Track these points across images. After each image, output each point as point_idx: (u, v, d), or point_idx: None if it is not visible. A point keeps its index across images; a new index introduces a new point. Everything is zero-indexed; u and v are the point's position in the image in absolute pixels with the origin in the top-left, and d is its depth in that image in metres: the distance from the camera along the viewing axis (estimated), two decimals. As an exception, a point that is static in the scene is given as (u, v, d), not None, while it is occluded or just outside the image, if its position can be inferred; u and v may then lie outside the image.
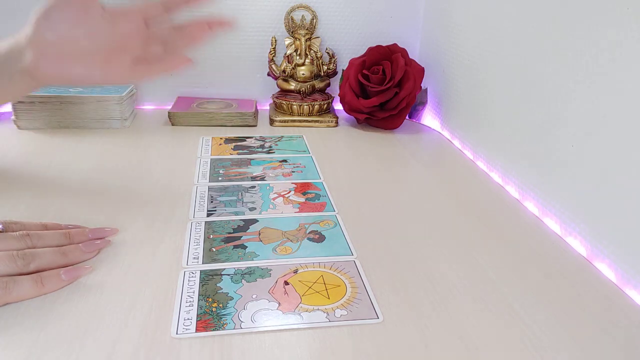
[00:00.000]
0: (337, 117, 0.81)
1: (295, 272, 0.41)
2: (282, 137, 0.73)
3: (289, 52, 0.83)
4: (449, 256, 0.44)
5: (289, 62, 0.83)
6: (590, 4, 0.45)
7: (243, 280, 0.39)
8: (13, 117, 0.73)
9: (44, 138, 0.69)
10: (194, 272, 0.40)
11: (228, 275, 0.40)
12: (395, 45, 0.78)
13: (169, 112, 0.78)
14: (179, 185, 0.56)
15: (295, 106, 0.80)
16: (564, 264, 0.44)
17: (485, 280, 0.41)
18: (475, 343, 0.34)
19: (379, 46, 0.77)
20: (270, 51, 0.83)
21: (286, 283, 0.39)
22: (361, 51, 0.80)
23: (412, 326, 0.35)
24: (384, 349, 0.33)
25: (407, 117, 0.85)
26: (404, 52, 0.76)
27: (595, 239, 0.44)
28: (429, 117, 0.86)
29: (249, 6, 0.84)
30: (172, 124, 0.78)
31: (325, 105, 0.82)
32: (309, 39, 0.83)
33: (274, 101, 0.83)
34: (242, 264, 0.42)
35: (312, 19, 0.84)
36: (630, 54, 0.40)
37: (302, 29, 0.83)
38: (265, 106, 0.89)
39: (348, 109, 0.79)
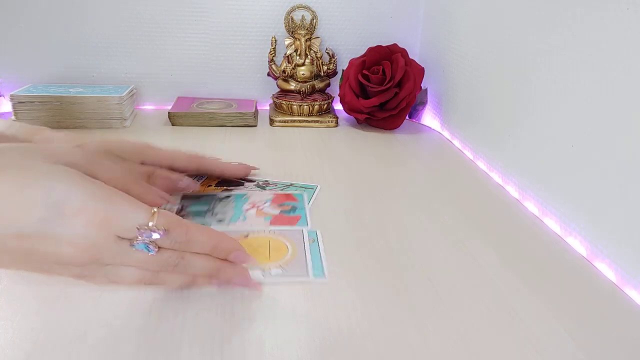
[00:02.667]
0: (337, 117, 0.81)
1: (246, 236, 0.44)
2: (291, 184, 0.56)
3: (289, 52, 0.83)
4: (449, 256, 0.44)
5: (289, 62, 0.83)
6: (591, 3, 0.45)
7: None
8: (13, 117, 0.73)
9: (44, 138, 0.69)
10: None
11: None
12: (395, 45, 0.78)
13: (169, 113, 0.78)
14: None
15: (295, 106, 0.80)
16: (564, 264, 0.44)
17: (485, 281, 0.41)
18: (475, 343, 0.34)
19: (379, 46, 0.77)
20: (270, 51, 0.83)
21: None
22: (361, 51, 0.80)
23: (413, 328, 0.35)
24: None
25: (407, 117, 0.85)
26: (404, 52, 0.76)
27: (595, 239, 0.44)
28: (429, 117, 0.86)
29: (249, 6, 0.84)
30: (172, 124, 0.78)
31: (325, 105, 0.82)
32: (309, 39, 0.83)
33: (274, 101, 0.83)
34: None
35: (312, 19, 0.84)
36: (631, 54, 0.40)
37: (302, 29, 0.83)
38: (265, 106, 0.89)
39: (348, 109, 0.79)
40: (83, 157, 0.34)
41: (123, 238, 0.31)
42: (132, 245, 0.31)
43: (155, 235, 0.32)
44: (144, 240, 0.31)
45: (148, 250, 0.32)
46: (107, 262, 0.32)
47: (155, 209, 0.32)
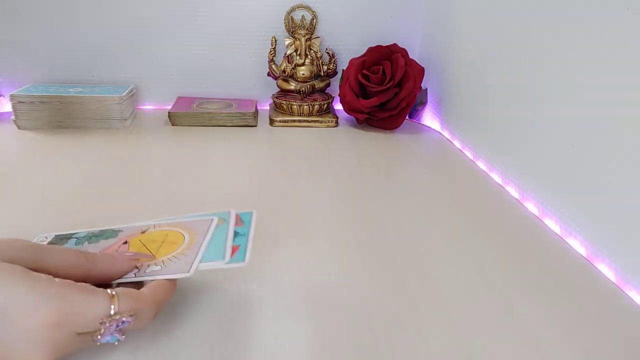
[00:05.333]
0: (337, 117, 0.81)
1: (144, 232, 0.38)
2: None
3: (289, 52, 0.83)
4: (449, 256, 0.44)
5: (289, 62, 0.83)
6: (591, 4, 0.45)
7: (86, 242, 0.37)
8: (13, 117, 0.73)
9: (43, 138, 0.69)
10: (48, 236, 0.38)
11: (76, 238, 0.38)
12: (395, 45, 0.78)
13: (169, 112, 0.78)
14: (176, 186, 0.56)
15: (295, 106, 0.80)
16: (564, 264, 0.44)
17: (485, 281, 0.41)
18: (475, 343, 0.34)
19: (379, 46, 0.77)
20: (270, 51, 0.83)
21: (125, 242, 0.37)
22: (361, 51, 0.80)
23: (412, 328, 0.35)
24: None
25: (407, 117, 0.85)
26: (404, 52, 0.76)
27: (595, 239, 0.44)
28: (429, 117, 0.86)
29: (249, 6, 0.84)
30: (172, 124, 0.78)
31: (325, 105, 0.82)
32: (309, 39, 0.83)
33: (274, 101, 0.83)
34: (98, 229, 0.39)
35: (312, 19, 0.84)
36: (630, 54, 0.40)
37: (302, 29, 0.83)
38: (265, 106, 0.89)
39: (348, 109, 0.79)
40: (27, 247, 0.29)
41: (84, 332, 0.28)
42: (95, 339, 0.28)
43: (126, 322, 0.28)
44: (110, 331, 0.28)
45: (117, 341, 0.28)
46: None
47: (113, 292, 0.29)
